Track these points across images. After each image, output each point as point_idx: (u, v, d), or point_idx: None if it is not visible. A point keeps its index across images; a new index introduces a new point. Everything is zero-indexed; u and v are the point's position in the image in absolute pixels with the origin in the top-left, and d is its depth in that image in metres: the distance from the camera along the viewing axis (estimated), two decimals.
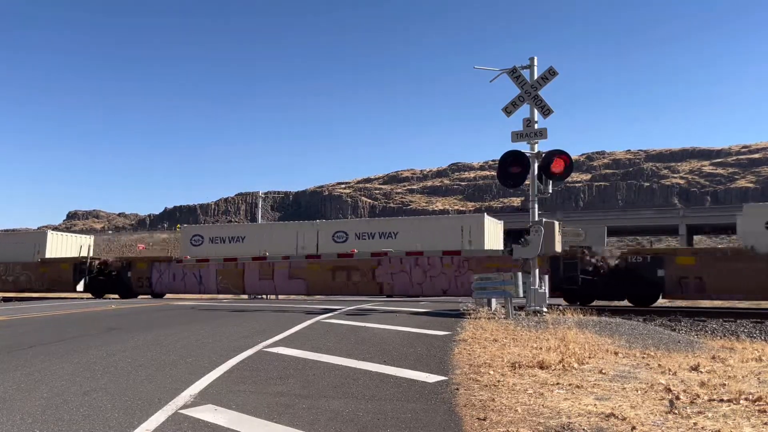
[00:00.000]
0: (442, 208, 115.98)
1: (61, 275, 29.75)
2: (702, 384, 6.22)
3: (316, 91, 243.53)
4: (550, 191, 14.41)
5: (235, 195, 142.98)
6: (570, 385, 6.28)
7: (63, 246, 31.68)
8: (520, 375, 6.84)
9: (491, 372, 6.98)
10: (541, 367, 7.16)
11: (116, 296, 28.43)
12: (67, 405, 5.56)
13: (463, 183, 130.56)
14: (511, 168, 14.29)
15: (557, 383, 6.38)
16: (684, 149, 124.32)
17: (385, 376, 6.91)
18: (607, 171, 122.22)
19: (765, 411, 5.04)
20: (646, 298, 21.19)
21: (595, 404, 5.44)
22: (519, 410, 5.28)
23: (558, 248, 14.12)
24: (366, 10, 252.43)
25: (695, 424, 4.74)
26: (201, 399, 5.78)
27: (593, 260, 21.54)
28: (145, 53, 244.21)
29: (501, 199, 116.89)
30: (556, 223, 14.03)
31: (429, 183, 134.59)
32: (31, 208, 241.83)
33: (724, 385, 6.12)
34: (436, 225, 26.86)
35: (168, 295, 28.32)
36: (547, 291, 14.14)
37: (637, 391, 5.99)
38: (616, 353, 8.46)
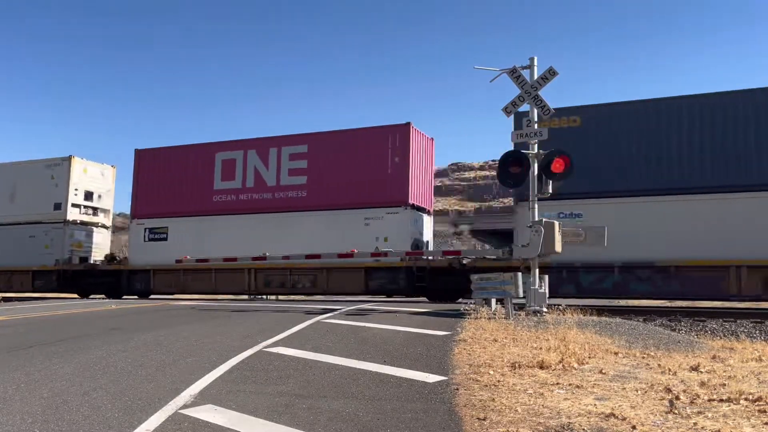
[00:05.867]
0: (441, 208, 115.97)
1: None
2: (702, 384, 6.22)
3: (316, 90, 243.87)
4: (551, 191, 14.40)
5: None
6: (570, 385, 6.29)
7: None
8: (520, 375, 6.84)
9: (491, 372, 6.99)
10: (541, 367, 7.17)
11: None
12: (67, 405, 5.57)
13: (463, 183, 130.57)
14: (511, 168, 14.29)
15: (557, 383, 6.38)
16: None
17: (385, 376, 6.91)
18: None
19: (765, 411, 5.04)
20: None
21: (595, 404, 5.44)
22: (519, 410, 5.28)
23: (558, 248, 14.08)
24: (366, 10, 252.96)
25: (695, 424, 4.74)
26: (201, 399, 5.79)
27: None
28: (143, 50, 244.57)
29: (501, 200, 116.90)
30: (556, 223, 14.00)
31: None
32: None
33: (724, 385, 6.12)
34: None
35: (168, 295, 28.26)
36: (546, 291, 14.12)
37: (637, 391, 5.99)
38: (616, 353, 8.46)
